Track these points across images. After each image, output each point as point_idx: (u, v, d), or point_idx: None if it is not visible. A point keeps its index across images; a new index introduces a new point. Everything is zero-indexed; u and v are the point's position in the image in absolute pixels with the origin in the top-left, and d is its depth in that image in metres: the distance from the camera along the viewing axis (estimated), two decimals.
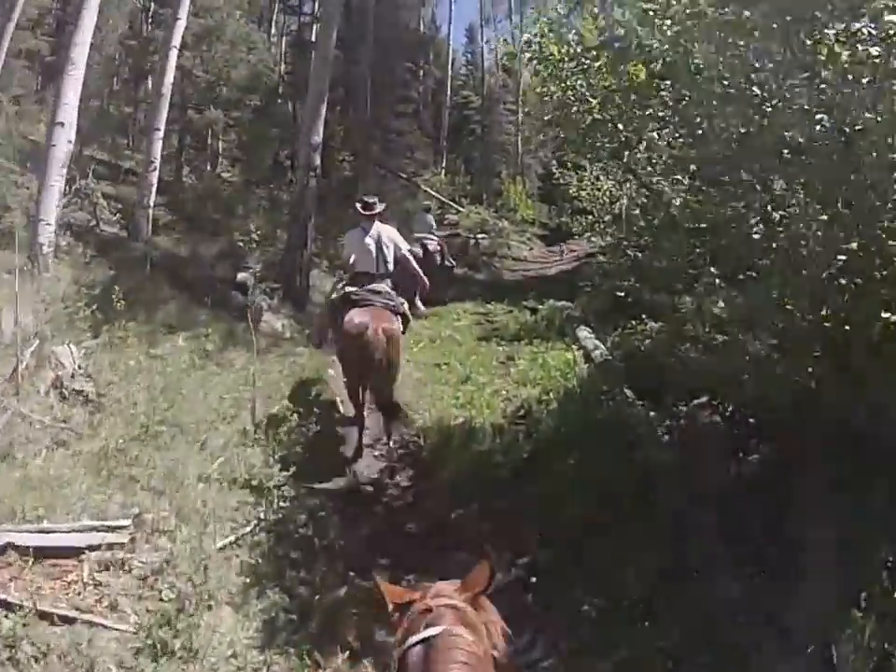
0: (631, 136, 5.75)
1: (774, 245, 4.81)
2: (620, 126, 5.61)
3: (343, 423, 7.80)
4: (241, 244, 8.45)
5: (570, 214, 15.28)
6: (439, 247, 14.55)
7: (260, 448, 6.40)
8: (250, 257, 12.12)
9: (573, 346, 9.59)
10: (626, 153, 6.10)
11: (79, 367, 7.00)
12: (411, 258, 8.03)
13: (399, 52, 23.17)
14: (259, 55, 18.40)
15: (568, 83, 5.68)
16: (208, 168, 18.49)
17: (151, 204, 10.98)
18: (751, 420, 6.20)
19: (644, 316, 9.08)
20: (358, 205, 7.90)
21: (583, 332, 10.16)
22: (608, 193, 11.99)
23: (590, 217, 12.80)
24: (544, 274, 19.39)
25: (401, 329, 7.40)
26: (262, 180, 18.27)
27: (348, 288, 7.50)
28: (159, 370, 7.62)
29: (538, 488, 6.12)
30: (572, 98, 5.76)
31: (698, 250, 6.26)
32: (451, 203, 24.12)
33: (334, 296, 8.13)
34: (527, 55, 6.01)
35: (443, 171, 28.10)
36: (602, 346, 9.28)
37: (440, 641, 1.74)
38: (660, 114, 5.51)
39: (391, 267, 7.64)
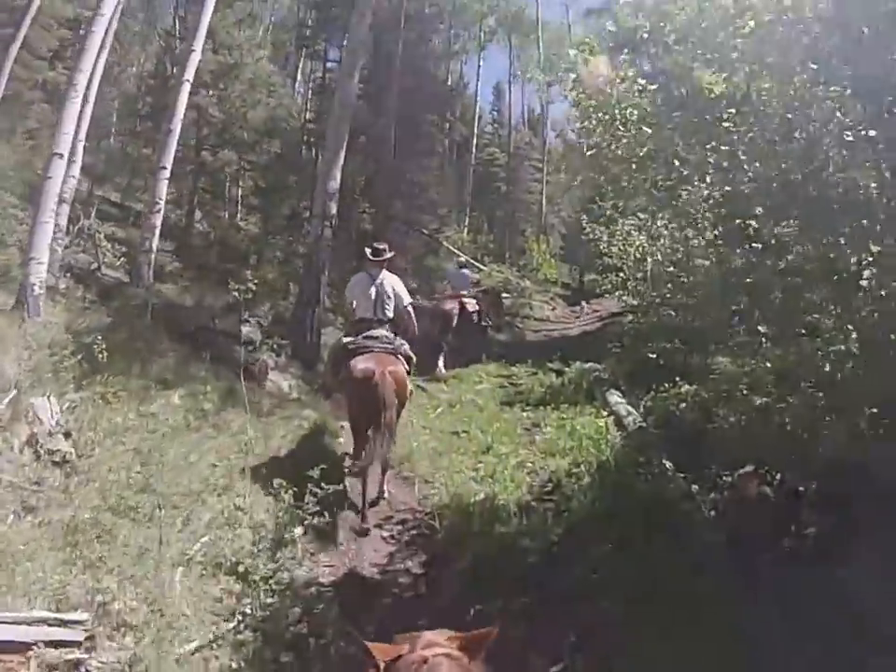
0: (691, 173, 5.00)
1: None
2: (676, 162, 4.88)
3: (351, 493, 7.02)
4: (236, 294, 7.75)
5: (600, 271, 14.52)
6: (477, 307, 14.12)
7: (252, 528, 5.57)
8: (257, 309, 11.50)
9: (603, 412, 8.78)
10: (684, 190, 5.36)
11: (58, 423, 6.32)
12: (412, 311, 7.91)
13: (425, 105, 22.71)
14: (280, 98, 17.96)
15: (618, 110, 4.97)
16: (224, 214, 17.87)
17: (154, 249, 10.32)
18: (801, 489, 5.58)
19: (678, 379, 8.59)
20: (368, 251, 7.86)
21: (614, 397, 9.38)
22: (640, 249, 11.31)
23: (620, 274, 12.09)
24: (567, 335, 18.86)
25: (406, 370, 7.31)
26: (279, 230, 17.72)
27: (345, 339, 7.56)
28: (149, 429, 6.89)
29: (571, 578, 5.28)
30: (621, 129, 5.05)
31: (734, 308, 5.94)
32: (473, 262, 23.55)
33: (332, 348, 8.22)
34: (569, 85, 5.31)
35: (466, 228, 27.66)
36: (635, 412, 8.51)
37: None
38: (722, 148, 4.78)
39: (390, 314, 7.58)
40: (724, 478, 6.13)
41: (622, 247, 11.78)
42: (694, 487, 6.13)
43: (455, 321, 13.48)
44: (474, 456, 7.87)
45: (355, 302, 7.62)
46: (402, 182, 20.19)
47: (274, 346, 10.45)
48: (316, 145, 18.61)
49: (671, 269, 10.33)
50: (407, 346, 7.52)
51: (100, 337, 7.01)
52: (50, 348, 7.30)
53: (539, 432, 8.68)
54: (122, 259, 11.02)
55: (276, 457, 7.30)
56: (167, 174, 10.61)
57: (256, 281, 9.94)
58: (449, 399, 10.38)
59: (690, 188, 5.32)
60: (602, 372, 10.85)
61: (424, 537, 6.44)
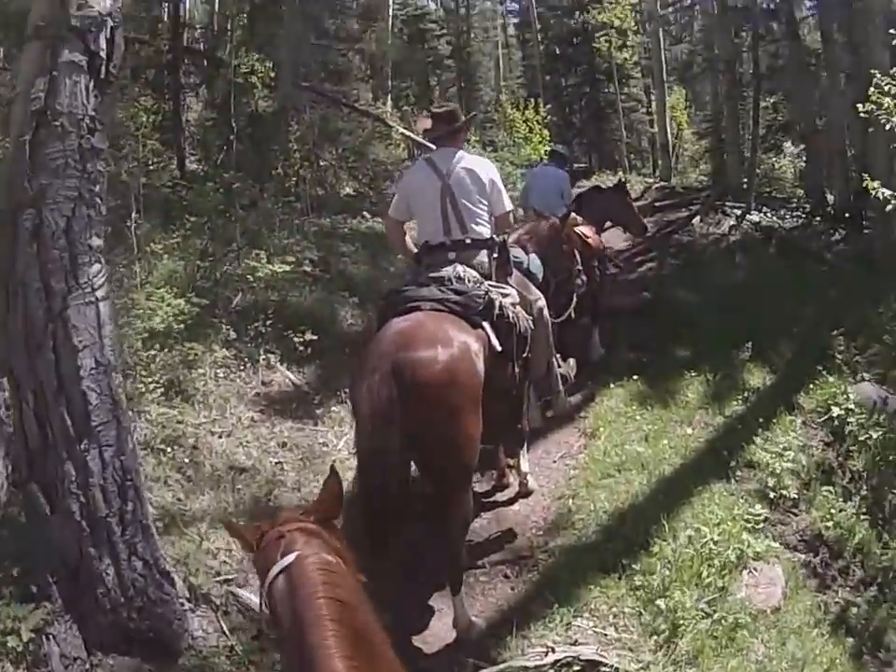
0: None
1: None
2: None
3: None
4: None
5: None
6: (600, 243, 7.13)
7: None
8: None
9: None
10: None
11: None
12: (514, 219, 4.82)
13: None
14: None
15: None
16: None
17: None
18: None
19: None
20: (425, 119, 4.48)
21: None
22: None
23: None
24: (641, 260, 11.56)
25: (490, 344, 3.44)
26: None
27: (397, 286, 4.05)
28: None
29: None
30: None
31: None
32: (427, 145, 15.81)
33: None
34: None
35: (390, 100, 19.55)
36: None
37: (297, 569, 1.67)
38: None
39: (480, 230, 3.88)
40: None
41: None
42: None
43: (576, 272, 6.21)
44: None
45: (415, 220, 4.17)
46: (311, 32, 11.80)
47: None
48: None
49: None
50: (510, 298, 3.71)
51: None
52: None
53: None
54: None
55: None
56: None
57: None
58: None
59: None
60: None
61: None
